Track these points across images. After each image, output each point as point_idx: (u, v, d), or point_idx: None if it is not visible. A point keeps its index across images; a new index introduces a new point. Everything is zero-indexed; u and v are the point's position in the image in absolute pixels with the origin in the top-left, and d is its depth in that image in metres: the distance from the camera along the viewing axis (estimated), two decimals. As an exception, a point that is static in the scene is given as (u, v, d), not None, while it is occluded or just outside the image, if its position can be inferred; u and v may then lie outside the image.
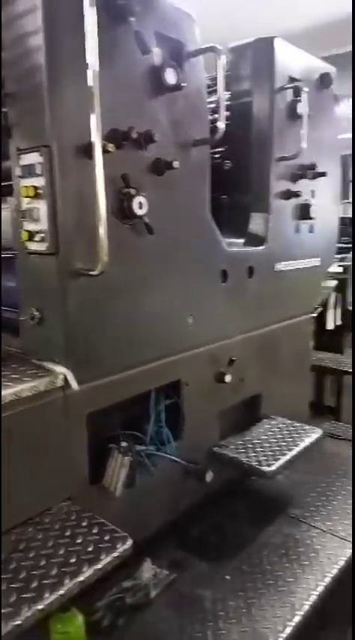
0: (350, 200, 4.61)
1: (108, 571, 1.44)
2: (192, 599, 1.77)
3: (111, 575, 1.78)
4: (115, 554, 1.36)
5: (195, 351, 2.09)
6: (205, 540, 2.11)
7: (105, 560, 1.34)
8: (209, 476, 2.09)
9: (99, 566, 1.33)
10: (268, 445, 2.24)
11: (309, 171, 2.52)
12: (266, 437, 2.33)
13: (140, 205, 1.63)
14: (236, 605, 1.72)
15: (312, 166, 2.54)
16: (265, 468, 2.05)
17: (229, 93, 2.43)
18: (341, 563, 1.94)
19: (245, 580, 1.84)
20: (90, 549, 1.38)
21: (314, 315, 3.34)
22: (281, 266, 2.55)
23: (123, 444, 1.78)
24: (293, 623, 1.63)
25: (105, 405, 1.74)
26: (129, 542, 1.41)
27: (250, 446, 2.25)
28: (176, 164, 1.71)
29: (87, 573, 1.31)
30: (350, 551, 1.99)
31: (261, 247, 2.40)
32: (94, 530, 1.46)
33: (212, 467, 2.14)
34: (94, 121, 1.38)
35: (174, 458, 1.96)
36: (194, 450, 2.15)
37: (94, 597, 1.77)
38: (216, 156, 2.50)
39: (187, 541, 2.11)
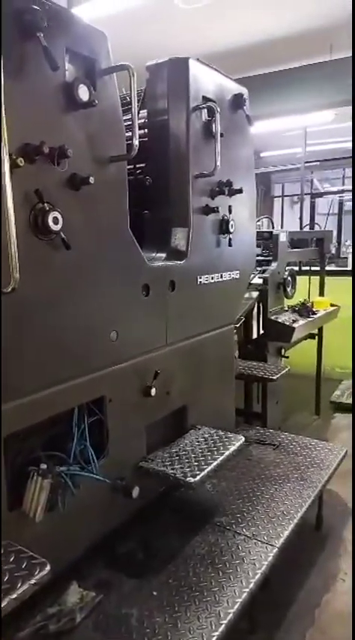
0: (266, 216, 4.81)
1: (30, 599, 1.39)
2: (119, 619, 1.75)
3: (35, 602, 1.72)
4: (32, 582, 1.31)
5: (118, 366, 2.08)
6: (133, 557, 2.09)
7: (21, 589, 1.29)
8: (135, 492, 2.08)
9: (14, 595, 1.27)
10: (193, 456, 2.27)
11: (226, 188, 2.61)
12: (191, 447, 2.36)
13: (55, 220, 1.61)
14: (162, 621, 1.71)
15: (229, 183, 2.63)
16: (189, 479, 2.07)
17: (146, 111, 2.47)
18: (265, 568, 2.00)
19: (171, 594, 1.84)
20: (5, 579, 1.32)
21: (237, 325, 3.44)
22: (203, 279, 2.61)
23: (43, 466, 1.72)
24: (217, 633, 1.65)
25: (24, 426, 1.68)
26: (48, 568, 1.36)
27: (176, 457, 2.27)
28: (91, 179, 1.70)
29: (2, 604, 1.25)
30: (272, 555, 2.06)
31: (182, 261, 2.44)
32: (11, 559, 1.40)
33: (139, 481, 2.13)
34: (0, 135, 1.35)
35: (98, 476, 1.92)
36: (120, 466, 2.13)
37: (18, 627, 1.70)
38: (138, 172, 2.54)
39: (115, 559, 2.08)
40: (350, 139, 7.17)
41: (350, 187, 8.36)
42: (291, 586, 2.61)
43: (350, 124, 7.01)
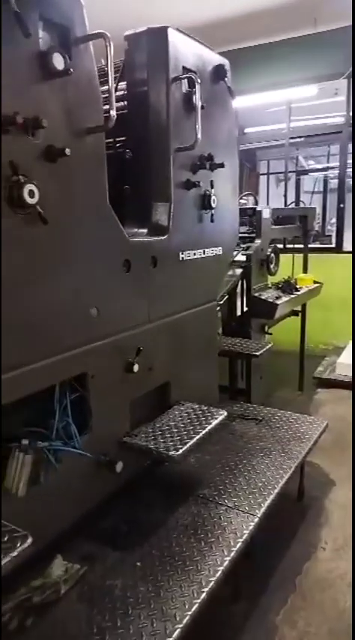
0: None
1: (14, 573, 1.41)
2: (103, 589, 1.78)
3: (20, 576, 1.75)
4: (14, 554, 1.33)
5: (100, 343, 2.07)
6: (117, 530, 2.12)
7: (3, 561, 1.30)
8: (119, 466, 2.10)
9: (-4, 567, 1.29)
10: (176, 430, 2.29)
11: (207, 162, 2.58)
12: (174, 422, 2.38)
13: (31, 194, 1.57)
14: (145, 590, 1.75)
15: (210, 157, 2.60)
16: (172, 453, 2.10)
17: (125, 82, 2.42)
18: (246, 536, 2.05)
19: (155, 564, 1.88)
20: (-9, 551, 1.33)
21: (221, 302, 3.45)
22: (185, 255, 2.60)
23: (24, 441, 1.73)
24: (199, 600, 1.69)
25: (6, 402, 1.67)
26: (29, 541, 1.38)
27: (159, 432, 2.28)
28: (68, 151, 1.67)
29: (-16, 576, 1.26)
30: (253, 524, 2.10)
31: (163, 237, 2.42)
32: (-7, 532, 1.41)
33: (123, 457, 2.15)
34: (-29, 104, 1.31)
35: (80, 452, 1.93)
36: (104, 441, 2.14)
37: (2, 600, 1.72)
38: (118, 145, 2.49)
39: (100, 533, 2.11)
40: (336, 114, 7.12)
41: (335, 164, 8.34)
42: (274, 555, 2.68)
43: (334, 99, 6.97)
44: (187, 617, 1.65)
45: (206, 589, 1.75)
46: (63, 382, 1.93)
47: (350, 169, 7.19)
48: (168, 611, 1.65)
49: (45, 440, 1.85)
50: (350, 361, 5.32)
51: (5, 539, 1.38)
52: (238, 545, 1.98)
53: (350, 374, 5.18)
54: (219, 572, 1.83)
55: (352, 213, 6.18)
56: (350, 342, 5.93)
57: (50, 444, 1.84)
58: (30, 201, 1.56)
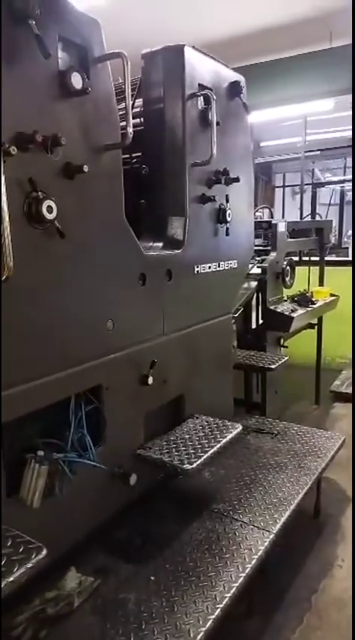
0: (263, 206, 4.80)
1: (28, 584, 1.42)
2: (117, 603, 1.77)
3: (34, 587, 1.75)
4: (29, 565, 1.33)
5: (115, 355, 2.09)
6: (131, 543, 2.12)
7: (18, 572, 1.31)
8: (133, 479, 2.10)
9: (11, 578, 1.29)
10: (191, 444, 2.29)
11: (223, 177, 2.61)
12: (189, 435, 2.38)
13: (49, 209, 1.61)
14: (159, 605, 1.74)
15: (226, 172, 2.63)
16: (187, 466, 2.09)
17: (142, 100, 2.47)
18: (261, 553, 2.02)
19: (168, 579, 1.87)
20: (2, 562, 1.34)
21: (236, 315, 3.45)
22: (200, 269, 2.61)
23: (40, 452, 1.74)
24: (213, 617, 1.67)
25: (20, 414, 1.69)
26: (44, 552, 1.38)
27: (173, 445, 2.28)
28: (86, 168, 1.71)
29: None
30: (268, 541, 2.08)
31: (179, 250, 2.44)
32: (8, 543, 1.42)
33: (137, 469, 2.15)
34: (-8, 123, 1.35)
35: (95, 464, 1.94)
36: (118, 453, 2.14)
37: (16, 612, 1.72)
38: (134, 161, 2.54)
39: (114, 545, 2.11)
40: (350, 127, 7.12)
41: (351, 177, 8.32)
42: (289, 572, 2.63)
43: (350, 112, 6.97)
44: (201, 634, 1.63)
45: (220, 605, 1.73)
46: (78, 394, 1.94)
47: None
48: (182, 627, 1.64)
49: (60, 451, 1.87)
50: (367, 375, 5.26)
51: (20, 550, 1.39)
52: (253, 562, 1.95)
53: (368, 388, 5.11)
54: (234, 589, 1.81)
55: (352, 223, 6.14)
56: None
57: (65, 455, 1.85)
58: (48, 216, 1.60)
